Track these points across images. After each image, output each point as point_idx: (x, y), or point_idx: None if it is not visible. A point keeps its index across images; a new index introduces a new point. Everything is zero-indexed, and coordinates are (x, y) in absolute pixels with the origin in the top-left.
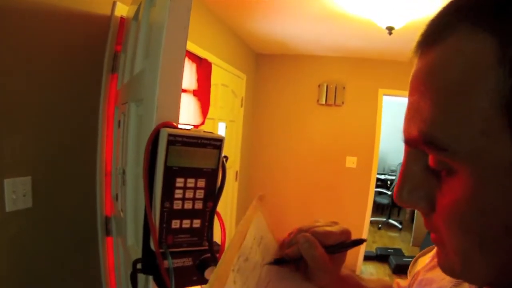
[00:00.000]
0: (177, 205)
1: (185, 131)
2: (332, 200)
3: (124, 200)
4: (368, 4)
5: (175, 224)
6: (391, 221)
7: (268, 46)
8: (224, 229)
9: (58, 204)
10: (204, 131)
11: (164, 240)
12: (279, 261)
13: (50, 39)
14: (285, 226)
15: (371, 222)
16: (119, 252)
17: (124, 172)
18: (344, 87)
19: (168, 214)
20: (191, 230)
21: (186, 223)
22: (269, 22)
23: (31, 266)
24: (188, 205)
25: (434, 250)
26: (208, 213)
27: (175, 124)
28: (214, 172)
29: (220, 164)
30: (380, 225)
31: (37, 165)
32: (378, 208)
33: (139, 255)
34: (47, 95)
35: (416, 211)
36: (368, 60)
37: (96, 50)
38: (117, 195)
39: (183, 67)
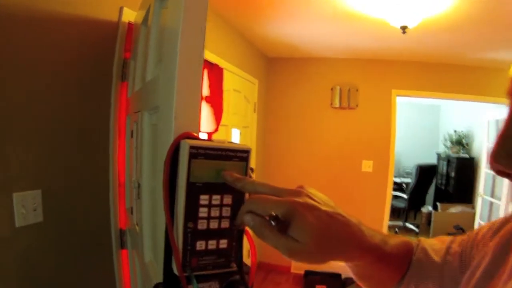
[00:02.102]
0: (202, 224)
1: (208, 142)
2: (349, 205)
3: (140, 214)
4: (381, 3)
5: (200, 245)
6: (408, 225)
7: (279, 50)
8: (254, 249)
9: (70, 218)
10: (229, 142)
11: (188, 263)
12: None
13: (56, 47)
14: None
15: (388, 227)
16: (135, 266)
17: (139, 186)
18: (357, 90)
19: (192, 235)
20: (217, 251)
21: (212, 244)
22: (280, 25)
23: (42, 282)
24: (213, 224)
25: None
26: (236, 232)
27: (195, 134)
28: None
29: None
30: (397, 230)
31: (47, 178)
32: (394, 212)
33: (158, 274)
34: (55, 104)
35: (433, 213)
36: (381, 61)
37: (104, 57)
38: (131, 208)
39: (201, 70)
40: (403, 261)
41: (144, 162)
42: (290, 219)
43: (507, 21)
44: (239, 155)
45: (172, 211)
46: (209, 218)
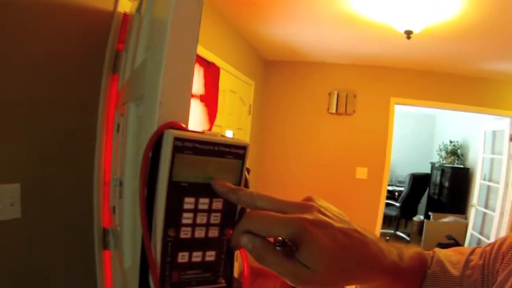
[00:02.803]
0: (186, 233)
1: (197, 134)
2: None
3: (121, 215)
4: (386, 7)
5: (183, 257)
6: (399, 233)
7: (277, 52)
8: (247, 262)
9: (51, 215)
10: (222, 136)
11: (167, 278)
12: None
13: (45, 35)
14: None
15: (380, 234)
16: (116, 269)
17: (121, 184)
18: (355, 95)
19: (174, 244)
20: (203, 264)
21: (196, 256)
22: (280, 27)
23: (19, 282)
24: (200, 233)
25: None
26: (225, 242)
27: (183, 125)
28: None
29: (242, 179)
30: (388, 237)
31: (27, 171)
32: (385, 220)
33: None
34: (39, 94)
35: (425, 222)
36: (381, 67)
37: (97, 48)
38: (114, 207)
39: (194, 54)
40: (417, 275)
41: (127, 157)
42: (298, 241)
43: (510, 31)
44: (234, 152)
45: (151, 215)
46: (194, 225)
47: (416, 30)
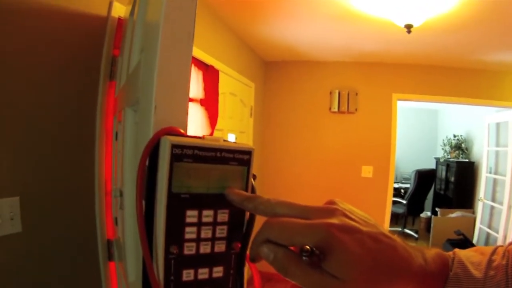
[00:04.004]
0: (189, 249)
1: (197, 140)
2: None
3: (123, 227)
4: (385, 1)
5: (188, 275)
6: (406, 230)
7: (276, 53)
8: (258, 277)
9: (53, 228)
10: (225, 140)
11: None
12: None
13: (38, 42)
14: None
15: None
16: (121, 282)
17: (121, 194)
18: (357, 93)
19: (177, 262)
20: (210, 282)
21: (203, 273)
22: (278, 27)
23: None
24: (205, 248)
25: None
26: (234, 256)
27: (182, 130)
28: None
29: (249, 187)
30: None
31: (26, 184)
32: (392, 218)
33: None
34: (36, 105)
35: (432, 219)
36: (382, 64)
37: (92, 55)
38: (116, 218)
39: (190, 51)
40: (440, 277)
41: (126, 167)
42: (326, 248)
43: (510, 22)
44: (239, 157)
45: (151, 230)
46: (198, 240)
47: (416, 24)
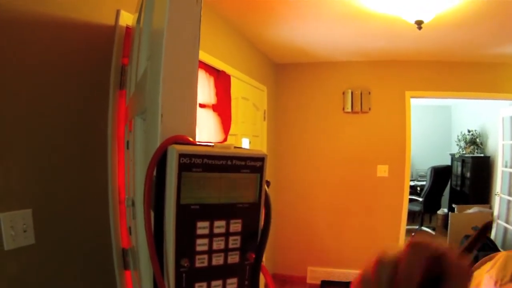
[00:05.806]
0: (201, 261)
1: (206, 148)
2: (365, 211)
3: (136, 237)
4: None
5: None
6: (424, 228)
7: (287, 55)
8: (270, 278)
9: (66, 238)
10: (235, 147)
11: None
12: None
13: (48, 53)
14: (317, 246)
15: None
16: None
17: (133, 204)
18: (369, 93)
19: (188, 275)
20: None
21: (216, 285)
22: (288, 29)
23: None
24: (218, 260)
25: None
26: (248, 267)
27: (190, 139)
28: (254, 208)
29: (262, 194)
30: (413, 234)
31: (39, 195)
32: (409, 216)
33: None
34: (48, 114)
35: (449, 215)
36: (393, 61)
37: (101, 64)
38: (130, 228)
39: (197, 58)
40: None
41: (137, 176)
42: None
43: None
44: (251, 165)
45: (161, 243)
46: (211, 252)
47: (426, 20)
